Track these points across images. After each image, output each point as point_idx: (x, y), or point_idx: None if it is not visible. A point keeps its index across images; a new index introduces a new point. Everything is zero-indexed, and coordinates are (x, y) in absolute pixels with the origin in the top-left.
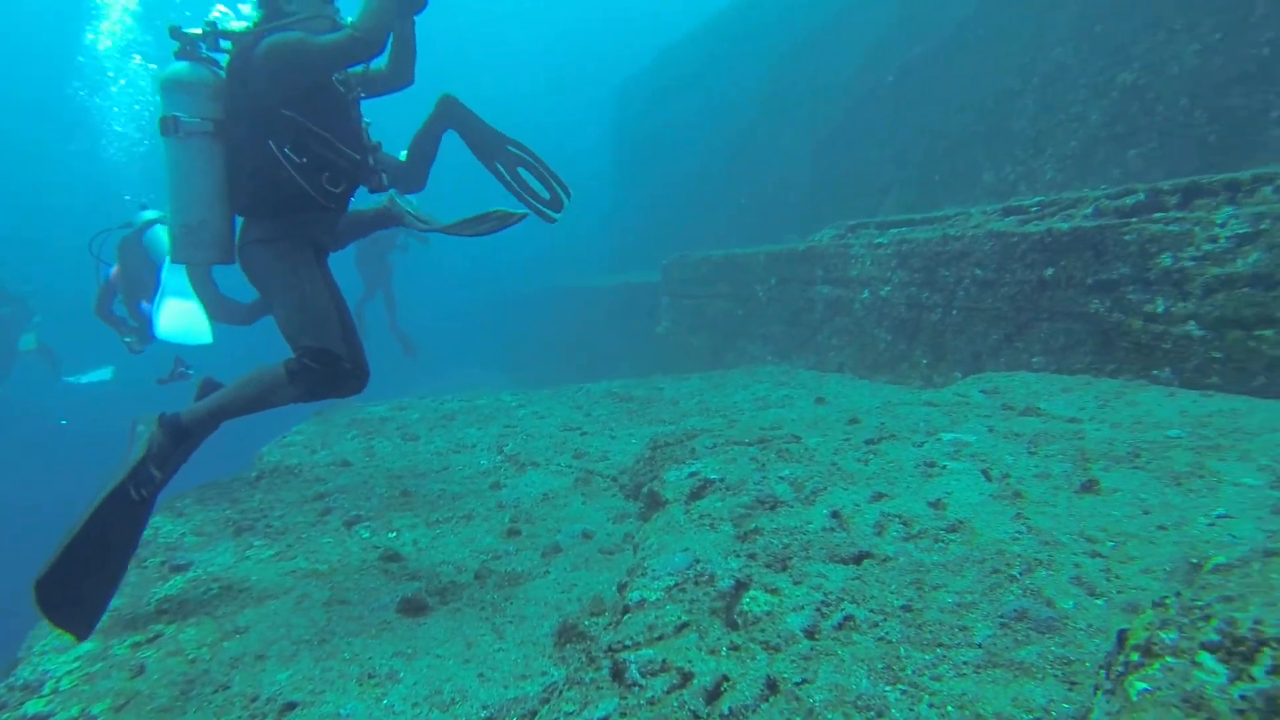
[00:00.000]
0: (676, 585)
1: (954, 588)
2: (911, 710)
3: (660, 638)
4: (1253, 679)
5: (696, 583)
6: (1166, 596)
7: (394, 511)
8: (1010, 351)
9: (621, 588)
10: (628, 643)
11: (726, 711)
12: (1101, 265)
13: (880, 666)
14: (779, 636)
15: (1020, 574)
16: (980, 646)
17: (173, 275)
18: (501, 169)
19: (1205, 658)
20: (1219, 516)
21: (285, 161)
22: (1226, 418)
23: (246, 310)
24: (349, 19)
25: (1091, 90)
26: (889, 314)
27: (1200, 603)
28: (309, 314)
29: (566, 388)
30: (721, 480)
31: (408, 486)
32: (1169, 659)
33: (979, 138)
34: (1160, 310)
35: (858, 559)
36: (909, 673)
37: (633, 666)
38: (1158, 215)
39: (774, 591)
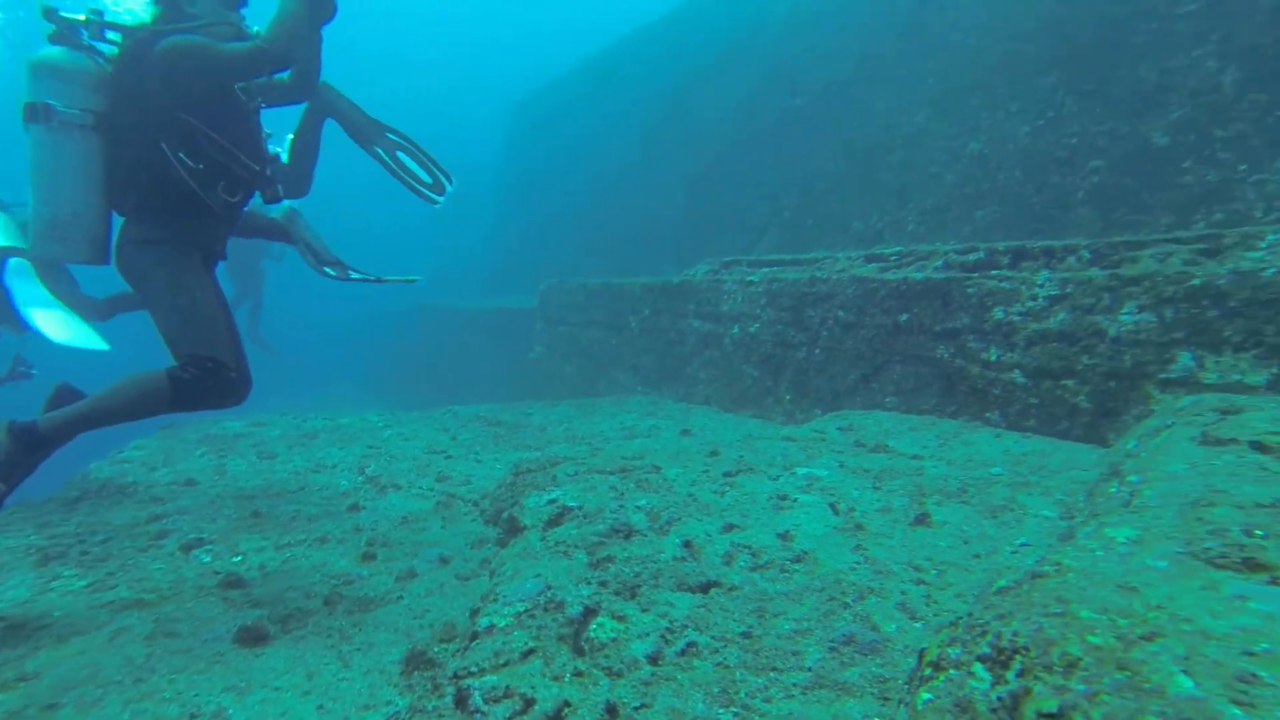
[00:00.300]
0: (526, 611)
1: (792, 615)
2: None
3: (506, 664)
4: (1006, 682)
5: (546, 609)
6: (960, 617)
7: (242, 534)
8: (867, 391)
9: (473, 613)
10: (473, 669)
11: None
12: (948, 314)
13: (716, 691)
14: (622, 662)
15: (853, 601)
16: (810, 669)
17: (19, 280)
18: (381, 153)
19: (978, 667)
20: (1021, 545)
21: (179, 165)
22: (1037, 457)
23: (102, 306)
24: (256, 28)
25: (947, 154)
26: (757, 350)
27: (981, 620)
28: (196, 321)
29: (435, 410)
30: (580, 508)
31: (260, 507)
32: (951, 671)
33: (850, 187)
34: (993, 358)
35: (705, 588)
36: (742, 695)
37: (476, 693)
38: (994, 272)
39: (621, 619)
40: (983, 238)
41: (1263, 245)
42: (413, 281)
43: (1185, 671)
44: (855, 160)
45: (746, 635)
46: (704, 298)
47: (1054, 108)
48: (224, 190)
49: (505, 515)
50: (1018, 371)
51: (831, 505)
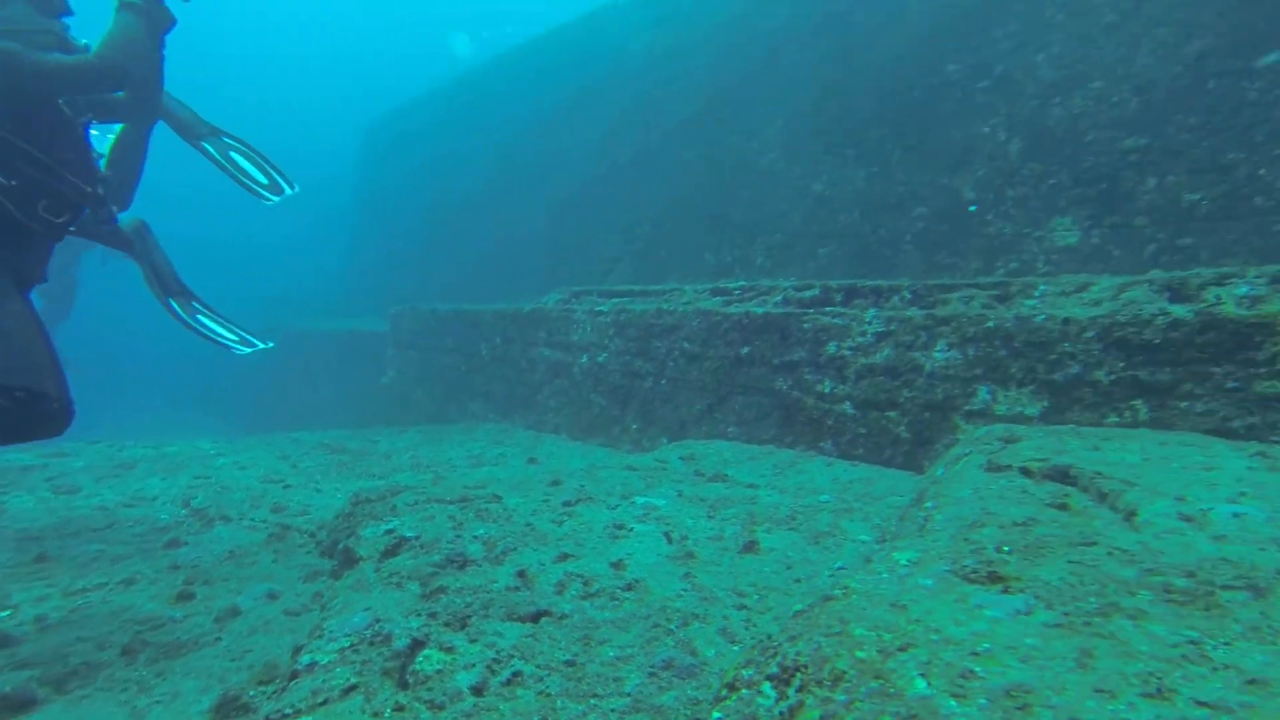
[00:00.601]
0: (351, 646)
1: (617, 642)
2: None
3: (324, 703)
4: (788, 698)
5: (372, 643)
6: (760, 641)
7: (17, 582)
8: (710, 421)
9: (296, 651)
10: (288, 711)
11: None
12: (786, 348)
13: (537, 719)
14: (445, 695)
15: (677, 628)
16: (629, 695)
17: None
18: (211, 149)
19: (766, 686)
20: (838, 569)
21: None
22: (862, 484)
23: None
24: (85, 41)
25: (794, 194)
26: (605, 380)
27: (775, 643)
28: (11, 349)
29: (276, 436)
30: (417, 538)
31: (47, 549)
32: (743, 690)
33: (703, 221)
34: (827, 390)
35: (536, 617)
36: None
37: None
38: (828, 309)
39: (449, 650)
40: (826, 274)
41: (1036, 294)
42: (266, 348)
43: (923, 675)
44: (708, 195)
45: (571, 664)
46: (555, 327)
47: (885, 158)
48: (46, 210)
49: (341, 546)
50: (848, 403)
51: (666, 534)
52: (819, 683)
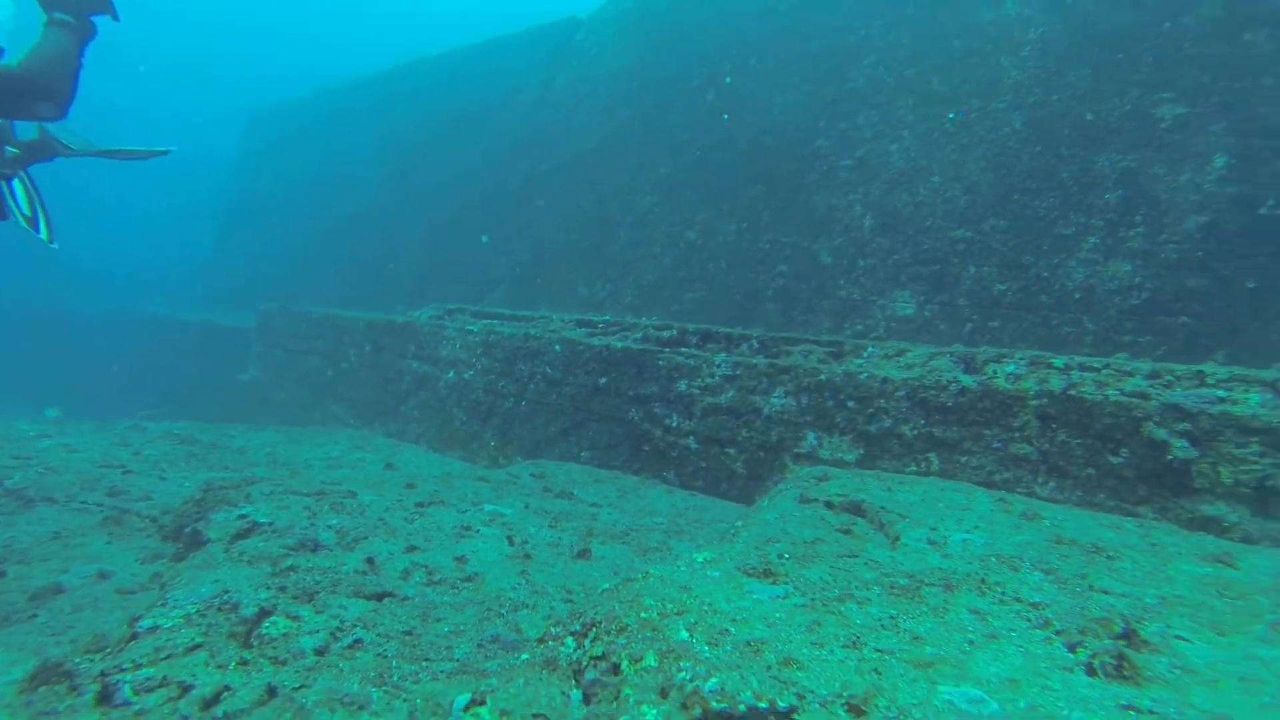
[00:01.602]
0: (198, 612)
1: (452, 620)
2: (388, 703)
3: (167, 658)
4: (583, 647)
5: (220, 610)
6: (573, 610)
7: None
8: (565, 444)
9: (133, 620)
10: (126, 665)
11: (221, 715)
12: (641, 381)
13: (373, 675)
14: (289, 653)
15: (507, 612)
16: (458, 660)
17: None
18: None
19: (569, 640)
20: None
21: None
22: (695, 511)
23: None
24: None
25: (667, 238)
26: (469, 396)
27: (579, 610)
28: None
29: (118, 422)
30: (270, 524)
31: None
32: (550, 642)
33: (581, 254)
34: (674, 424)
35: (380, 597)
36: (395, 679)
37: (125, 686)
38: (683, 349)
39: (295, 618)
40: (690, 317)
41: (865, 355)
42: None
43: (687, 629)
44: (589, 230)
45: (409, 634)
46: (425, 341)
47: (755, 216)
48: None
49: (189, 530)
50: (693, 438)
51: (509, 538)
52: (608, 632)
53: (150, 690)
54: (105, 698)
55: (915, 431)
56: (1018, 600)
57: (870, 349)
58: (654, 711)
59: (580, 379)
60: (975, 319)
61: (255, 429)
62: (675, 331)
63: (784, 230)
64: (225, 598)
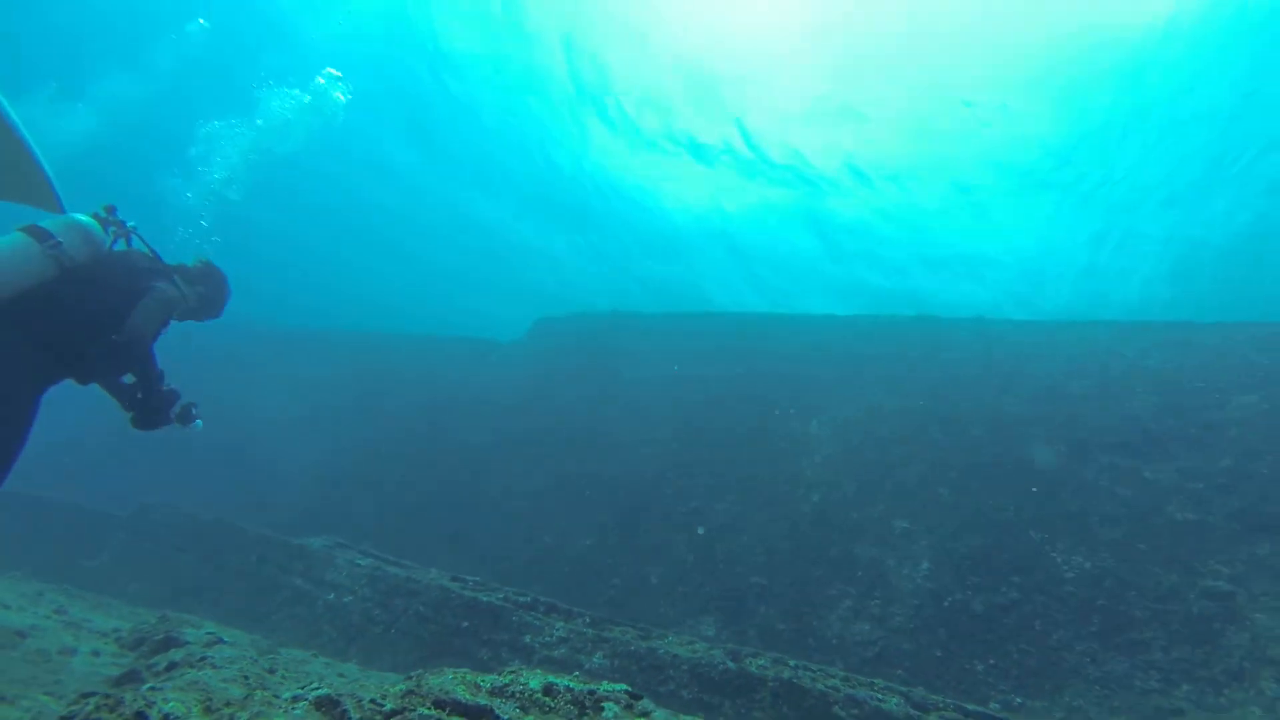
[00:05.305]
0: None
1: None
2: None
3: None
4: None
5: None
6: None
7: None
8: (423, 668)
9: None
10: None
11: None
12: (496, 629)
13: None
14: None
15: None
16: None
17: None
18: None
19: None
20: None
21: None
22: None
23: None
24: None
25: (524, 540)
26: (344, 617)
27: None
28: None
29: None
30: None
31: None
32: None
33: (445, 540)
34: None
35: None
36: None
37: None
38: (532, 613)
39: None
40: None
41: (668, 639)
42: None
43: None
44: (456, 514)
45: None
46: (315, 563)
47: (605, 535)
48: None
49: None
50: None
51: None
52: None
53: None
54: None
55: (691, 695)
56: None
57: (670, 637)
58: None
59: (447, 619)
60: (758, 645)
61: None
62: (529, 598)
63: (624, 553)
64: None
